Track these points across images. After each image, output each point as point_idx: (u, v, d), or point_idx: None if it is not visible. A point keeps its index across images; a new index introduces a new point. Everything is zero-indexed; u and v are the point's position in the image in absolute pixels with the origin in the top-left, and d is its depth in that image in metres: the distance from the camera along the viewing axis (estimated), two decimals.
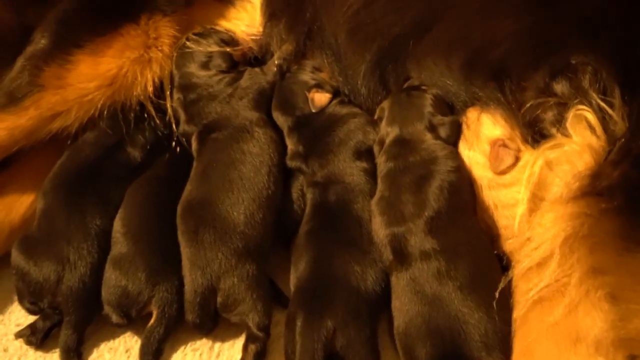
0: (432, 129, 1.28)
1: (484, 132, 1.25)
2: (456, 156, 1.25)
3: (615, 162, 1.04)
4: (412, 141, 1.27)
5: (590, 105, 1.12)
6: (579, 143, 1.10)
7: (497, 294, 1.04)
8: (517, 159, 1.20)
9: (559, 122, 1.16)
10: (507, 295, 1.08)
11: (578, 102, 1.13)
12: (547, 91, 1.18)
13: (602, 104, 1.11)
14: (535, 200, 1.12)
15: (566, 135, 1.13)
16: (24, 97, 1.35)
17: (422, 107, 1.30)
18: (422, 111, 1.30)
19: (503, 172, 1.21)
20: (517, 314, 1.03)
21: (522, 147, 1.21)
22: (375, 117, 1.38)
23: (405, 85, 1.36)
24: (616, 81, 1.12)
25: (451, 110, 1.32)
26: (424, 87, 1.34)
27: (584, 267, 0.96)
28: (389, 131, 1.30)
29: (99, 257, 1.26)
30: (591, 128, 1.11)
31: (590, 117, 1.11)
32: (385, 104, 1.36)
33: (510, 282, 1.08)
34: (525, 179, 1.14)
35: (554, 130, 1.16)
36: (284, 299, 1.26)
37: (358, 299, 1.15)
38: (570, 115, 1.13)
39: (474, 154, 1.25)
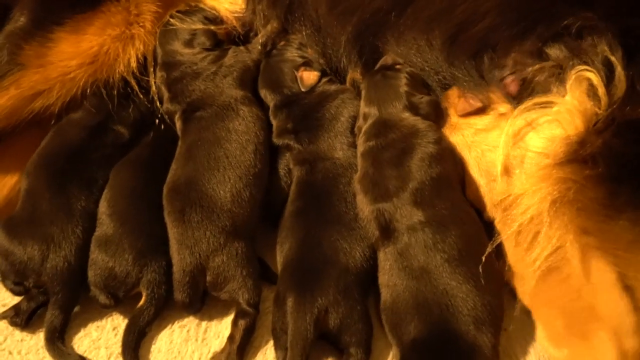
0: (411, 108, 1.29)
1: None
2: (436, 129, 1.26)
3: (599, 130, 1.05)
4: (391, 121, 1.28)
5: (593, 65, 1.11)
6: (571, 106, 1.10)
7: (483, 258, 1.05)
8: (485, 107, 1.23)
9: (555, 83, 1.16)
10: (495, 267, 1.09)
11: (581, 63, 1.13)
12: (539, 56, 1.18)
13: (614, 59, 1.10)
14: (518, 150, 1.13)
15: (561, 96, 1.13)
16: (4, 77, 1.33)
17: (398, 87, 1.31)
18: (399, 91, 1.30)
19: (468, 116, 1.23)
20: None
21: (497, 100, 1.23)
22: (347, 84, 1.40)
23: (379, 64, 1.37)
24: (619, 44, 1.11)
25: (427, 88, 1.34)
26: (398, 66, 1.34)
27: (574, 228, 0.99)
28: (367, 113, 1.31)
29: (83, 237, 1.25)
30: (590, 92, 1.10)
31: (594, 77, 1.10)
32: (359, 80, 1.37)
33: (498, 254, 1.10)
34: (506, 127, 1.15)
35: (549, 91, 1.16)
36: (272, 276, 1.26)
37: (348, 276, 1.15)
38: (572, 76, 1.12)
39: (452, 110, 1.28)
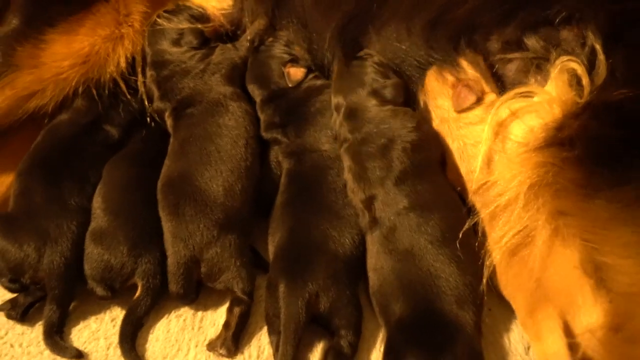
0: (376, 94, 1.32)
1: (449, 78, 1.30)
2: (412, 115, 1.30)
3: (576, 114, 1.08)
4: (358, 110, 1.31)
5: (577, 55, 1.14)
6: (551, 96, 1.13)
7: (460, 235, 1.10)
8: (479, 100, 1.24)
9: (534, 73, 1.19)
10: (476, 249, 1.13)
11: (563, 53, 1.15)
12: (518, 46, 1.21)
13: (598, 47, 1.12)
14: (499, 142, 1.16)
15: (542, 86, 1.16)
16: None
17: (362, 74, 1.35)
18: (363, 78, 1.34)
19: (465, 111, 1.25)
20: (491, 261, 1.10)
21: (487, 90, 1.25)
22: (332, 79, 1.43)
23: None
24: (601, 32, 1.13)
25: (397, 75, 1.37)
26: (365, 56, 1.38)
27: (549, 210, 1.02)
28: (337, 104, 1.35)
29: (78, 232, 1.28)
30: (573, 81, 1.13)
31: (578, 67, 1.12)
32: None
33: (479, 235, 1.14)
34: (489, 120, 1.18)
35: (528, 81, 1.19)
36: (264, 264, 1.30)
37: (337, 262, 1.19)
38: (556, 67, 1.15)
39: (442, 101, 1.30)
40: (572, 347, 1.01)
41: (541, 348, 1.05)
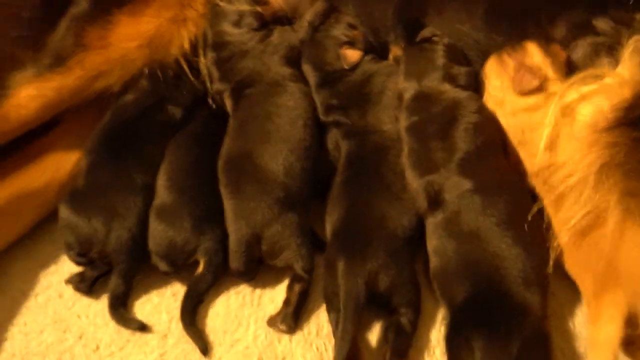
0: (450, 79, 1.31)
1: (510, 63, 1.28)
2: (477, 98, 1.29)
3: None
4: (431, 94, 1.30)
5: None
6: (622, 78, 1.11)
7: (529, 217, 1.08)
8: (542, 85, 1.23)
9: (606, 55, 1.17)
10: (542, 230, 1.11)
11: (636, 33, 1.13)
12: (587, 29, 1.19)
13: None
14: (567, 124, 1.14)
15: (613, 67, 1.14)
16: (68, 58, 1.38)
17: (435, 59, 1.33)
18: (436, 63, 1.33)
19: (527, 95, 1.24)
20: (558, 243, 1.08)
21: (551, 76, 1.23)
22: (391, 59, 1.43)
23: (418, 37, 1.39)
24: None
25: (466, 60, 1.36)
26: (435, 38, 1.37)
27: (620, 190, 1.01)
28: (407, 87, 1.34)
29: (144, 209, 1.31)
30: None
31: None
32: (399, 55, 1.40)
33: (544, 218, 1.12)
34: (555, 102, 1.16)
35: (599, 63, 1.17)
36: (320, 244, 1.30)
37: (396, 241, 1.19)
38: (629, 47, 1.13)
39: (497, 82, 1.29)
40: (630, 339, 0.98)
41: (595, 332, 1.02)
